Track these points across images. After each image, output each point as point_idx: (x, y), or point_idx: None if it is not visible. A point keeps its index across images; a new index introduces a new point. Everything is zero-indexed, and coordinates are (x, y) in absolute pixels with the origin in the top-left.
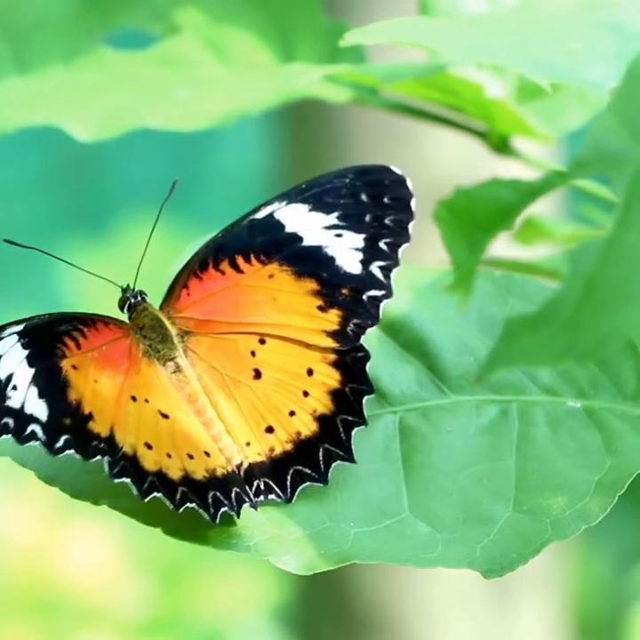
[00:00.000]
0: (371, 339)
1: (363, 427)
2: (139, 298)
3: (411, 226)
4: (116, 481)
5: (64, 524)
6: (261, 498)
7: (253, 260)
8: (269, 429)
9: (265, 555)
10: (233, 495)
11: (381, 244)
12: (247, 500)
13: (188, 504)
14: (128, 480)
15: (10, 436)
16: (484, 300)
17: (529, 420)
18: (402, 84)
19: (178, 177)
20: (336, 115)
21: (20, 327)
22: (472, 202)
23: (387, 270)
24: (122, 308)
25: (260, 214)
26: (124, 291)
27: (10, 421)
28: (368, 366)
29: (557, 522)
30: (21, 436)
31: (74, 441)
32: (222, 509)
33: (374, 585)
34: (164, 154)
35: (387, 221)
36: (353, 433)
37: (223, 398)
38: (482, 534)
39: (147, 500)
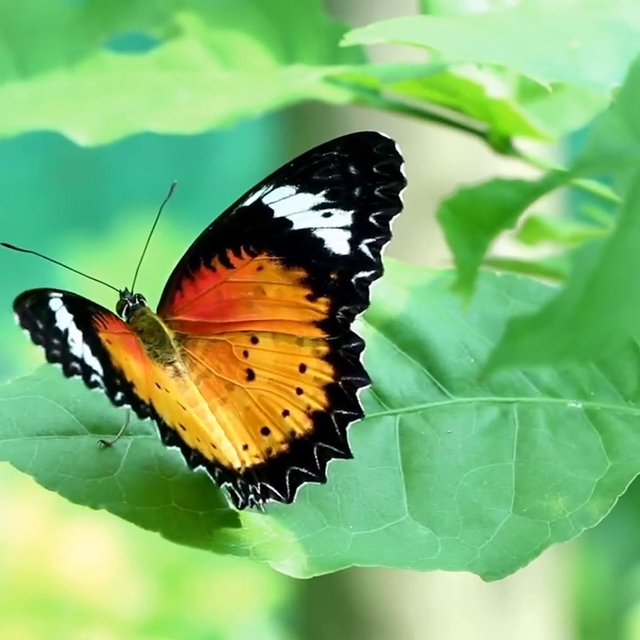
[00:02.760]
0: (369, 339)
1: (359, 420)
2: (136, 302)
3: (402, 194)
4: (168, 448)
5: (64, 524)
6: (263, 500)
7: (243, 253)
8: (265, 431)
9: (264, 559)
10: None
11: (371, 219)
12: (251, 502)
13: (226, 483)
14: (178, 449)
15: (80, 378)
16: (485, 300)
17: (529, 422)
18: (402, 85)
19: (178, 178)
20: (336, 115)
21: (60, 294)
22: (474, 201)
23: (376, 247)
24: (120, 312)
25: (248, 201)
26: (122, 294)
27: (77, 366)
28: (362, 355)
29: (557, 524)
30: (88, 382)
31: (127, 399)
32: (251, 496)
33: (374, 585)
34: (164, 155)
35: (376, 192)
36: (348, 428)
37: (219, 402)
38: (482, 536)
39: (195, 470)
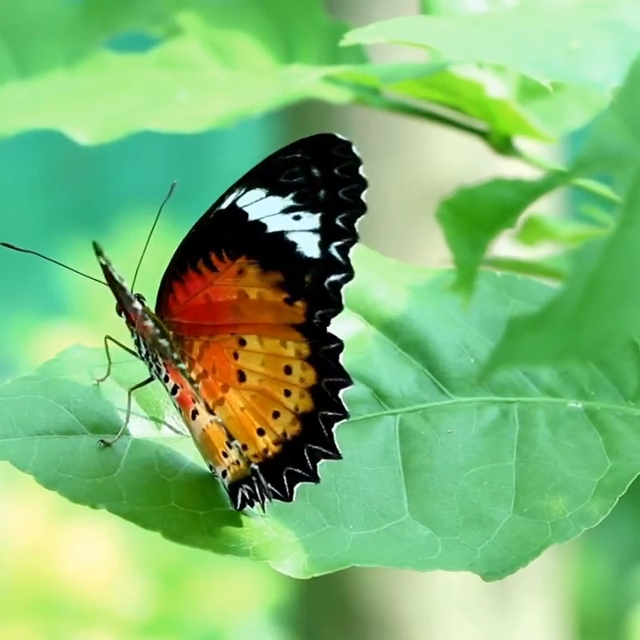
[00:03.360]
0: (369, 339)
1: (345, 420)
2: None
3: (364, 195)
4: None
5: (64, 524)
6: (263, 500)
7: (225, 256)
8: (260, 432)
9: (264, 559)
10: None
11: (337, 221)
12: (251, 502)
13: (252, 465)
14: None
15: None
16: (485, 300)
17: (530, 421)
18: (402, 84)
19: (178, 178)
20: (336, 115)
21: None
22: (474, 201)
23: (344, 249)
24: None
25: (224, 205)
26: None
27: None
28: (342, 356)
29: (558, 524)
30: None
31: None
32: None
33: (374, 585)
34: (164, 154)
35: (340, 195)
36: (334, 428)
37: (217, 403)
38: (482, 536)
39: (233, 444)
